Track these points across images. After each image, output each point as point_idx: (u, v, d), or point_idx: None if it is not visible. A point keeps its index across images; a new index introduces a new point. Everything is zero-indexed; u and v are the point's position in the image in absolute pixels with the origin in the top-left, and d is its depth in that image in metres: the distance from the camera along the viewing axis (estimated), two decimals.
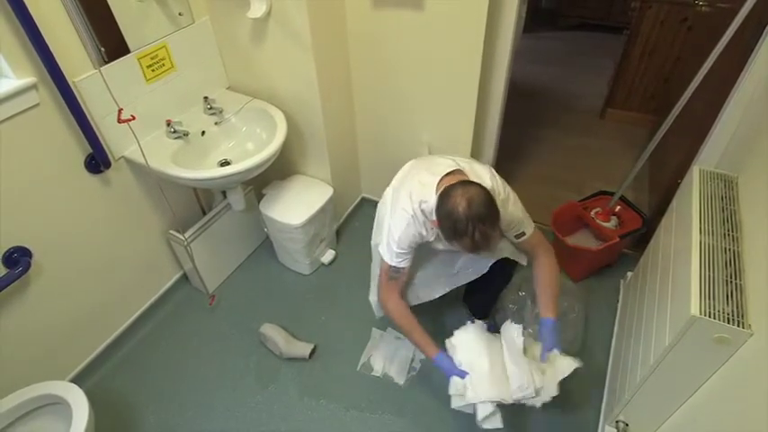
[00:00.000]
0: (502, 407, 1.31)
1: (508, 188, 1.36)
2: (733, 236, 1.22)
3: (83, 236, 1.61)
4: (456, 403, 1.35)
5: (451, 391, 1.35)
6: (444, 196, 1.18)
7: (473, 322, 1.48)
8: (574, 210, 2.09)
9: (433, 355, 1.39)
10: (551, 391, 1.30)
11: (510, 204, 1.33)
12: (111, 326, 1.86)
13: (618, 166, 2.63)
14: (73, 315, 1.68)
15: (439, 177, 1.27)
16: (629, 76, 2.80)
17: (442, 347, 1.41)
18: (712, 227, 1.25)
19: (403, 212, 1.30)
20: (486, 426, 1.31)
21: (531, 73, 3.50)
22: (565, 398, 1.65)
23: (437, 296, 1.59)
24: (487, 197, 1.16)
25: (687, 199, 1.40)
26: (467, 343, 1.40)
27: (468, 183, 1.19)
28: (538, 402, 1.31)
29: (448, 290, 1.56)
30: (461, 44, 1.64)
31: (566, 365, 1.33)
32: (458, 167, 1.30)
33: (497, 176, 1.35)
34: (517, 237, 1.38)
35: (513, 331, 1.41)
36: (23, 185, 1.39)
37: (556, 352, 1.36)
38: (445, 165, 1.31)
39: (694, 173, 1.43)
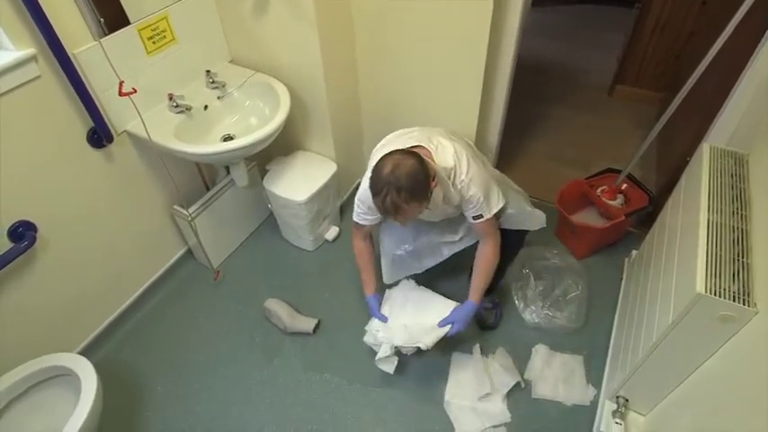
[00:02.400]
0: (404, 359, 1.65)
1: (474, 171, 1.36)
2: (742, 214, 1.21)
3: (87, 210, 1.62)
4: (367, 339, 1.60)
5: (368, 327, 1.60)
6: (383, 156, 1.25)
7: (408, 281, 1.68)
8: (580, 187, 2.07)
9: (367, 294, 1.62)
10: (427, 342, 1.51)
11: (472, 186, 1.35)
12: (117, 300, 1.88)
13: (625, 144, 2.59)
14: (79, 289, 1.69)
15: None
16: (639, 52, 2.73)
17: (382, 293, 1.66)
18: (721, 205, 1.24)
19: (367, 178, 1.36)
20: (381, 366, 1.59)
21: (538, 48, 3.42)
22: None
23: (436, 262, 1.67)
24: (416, 172, 1.19)
25: (696, 176, 1.38)
26: (397, 296, 1.64)
27: (409, 153, 1.24)
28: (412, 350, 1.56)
29: (447, 255, 1.66)
30: (469, 20, 1.59)
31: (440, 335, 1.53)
32: (424, 142, 1.35)
33: (466, 159, 1.36)
34: (474, 218, 1.41)
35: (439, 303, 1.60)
36: (26, 159, 1.38)
37: (447, 328, 1.53)
38: (416, 139, 1.37)
39: (704, 150, 1.41)
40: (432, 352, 1.56)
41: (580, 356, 1.73)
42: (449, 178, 1.35)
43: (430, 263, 1.67)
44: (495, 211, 1.41)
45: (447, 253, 1.64)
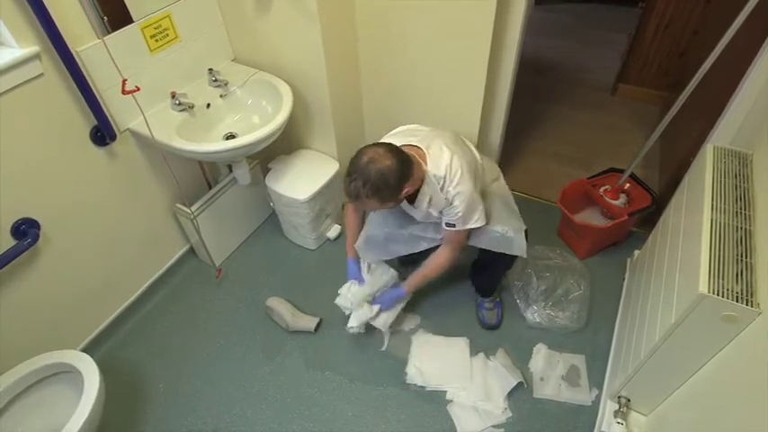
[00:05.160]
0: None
1: (463, 187, 1.35)
2: (745, 214, 1.20)
3: (90, 208, 1.62)
4: (339, 301, 1.68)
5: (342, 291, 1.68)
6: (367, 145, 1.28)
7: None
8: (582, 187, 2.07)
9: (348, 255, 1.71)
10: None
11: (457, 200, 1.37)
12: (119, 298, 1.88)
13: (628, 144, 2.59)
14: (82, 287, 1.70)
15: (400, 144, 1.35)
16: (642, 51, 2.72)
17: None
18: (724, 204, 1.23)
19: None
20: (351, 331, 1.68)
21: (541, 46, 3.42)
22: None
23: (409, 252, 1.67)
24: (388, 174, 1.22)
25: (699, 176, 1.38)
26: (375, 271, 1.70)
27: (392, 152, 1.26)
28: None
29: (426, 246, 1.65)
30: (472, 18, 1.59)
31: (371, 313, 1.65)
32: (423, 145, 1.36)
33: (460, 173, 1.35)
34: (447, 225, 1.44)
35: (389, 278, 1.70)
36: (29, 157, 1.39)
37: (376, 306, 1.66)
38: (419, 139, 1.39)
39: (708, 150, 1.40)
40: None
41: (582, 356, 1.73)
42: (437, 184, 1.36)
43: (403, 251, 1.65)
44: (468, 227, 1.43)
45: (424, 246, 1.63)
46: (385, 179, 1.22)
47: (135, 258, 1.87)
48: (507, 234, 1.50)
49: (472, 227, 1.44)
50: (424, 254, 1.64)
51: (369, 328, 1.71)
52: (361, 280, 1.67)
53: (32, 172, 1.41)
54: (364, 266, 1.70)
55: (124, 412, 1.65)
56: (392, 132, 1.51)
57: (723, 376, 1.09)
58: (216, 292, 2.02)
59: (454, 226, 1.43)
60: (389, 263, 1.73)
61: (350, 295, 1.65)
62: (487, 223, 1.48)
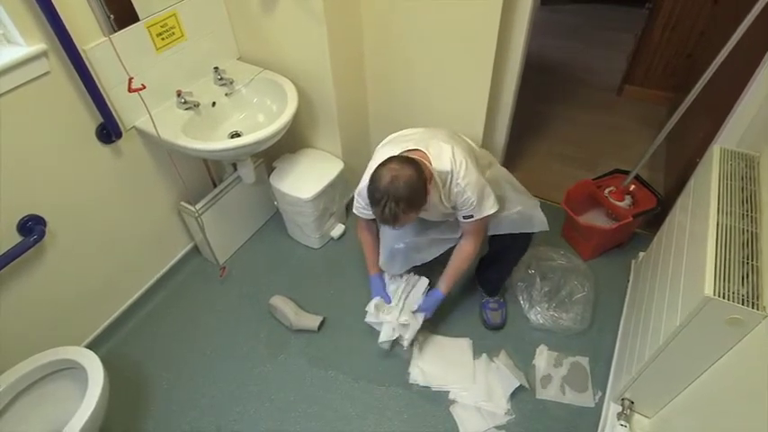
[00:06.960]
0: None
1: (471, 177, 1.37)
2: (752, 216, 1.19)
3: (95, 205, 1.63)
4: (369, 319, 1.68)
5: (369, 308, 1.66)
6: (381, 163, 1.27)
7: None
8: (587, 188, 2.06)
9: (371, 273, 1.72)
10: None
11: (468, 190, 1.37)
12: (123, 295, 1.89)
13: (634, 145, 2.57)
14: (86, 284, 1.71)
15: (398, 152, 1.35)
16: (649, 52, 2.71)
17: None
18: (730, 207, 1.22)
19: (368, 173, 1.39)
20: (383, 346, 1.70)
21: (546, 47, 3.41)
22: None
23: (433, 257, 1.68)
24: (414, 182, 1.22)
25: (705, 178, 1.37)
26: (402, 283, 1.70)
27: (406, 162, 1.26)
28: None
29: (444, 249, 1.66)
30: (478, 18, 1.59)
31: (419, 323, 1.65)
32: (422, 146, 1.36)
33: (465, 164, 1.37)
34: (465, 217, 1.45)
35: (421, 286, 1.69)
36: (36, 154, 1.39)
37: (421, 315, 1.65)
38: (415, 142, 1.39)
39: (714, 152, 1.40)
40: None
41: (585, 358, 1.72)
42: (445, 182, 1.37)
43: (428, 257, 1.67)
44: (485, 214, 1.43)
45: (446, 247, 1.65)
46: (413, 187, 1.22)
47: (139, 256, 1.87)
48: (526, 213, 1.52)
49: (488, 213, 1.43)
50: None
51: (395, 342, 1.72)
52: (386, 297, 1.68)
53: (38, 169, 1.42)
54: (389, 282, 1.71)
55: (127, 409, 1.66)
56: (384, 142, 1.51)
57: (728, 379, 1.08)
58: (219, 290, 2.02)
59: (472, 217, 1.43)
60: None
61: (380, 314, 1.65)
62: (504, 208, 1.50)
